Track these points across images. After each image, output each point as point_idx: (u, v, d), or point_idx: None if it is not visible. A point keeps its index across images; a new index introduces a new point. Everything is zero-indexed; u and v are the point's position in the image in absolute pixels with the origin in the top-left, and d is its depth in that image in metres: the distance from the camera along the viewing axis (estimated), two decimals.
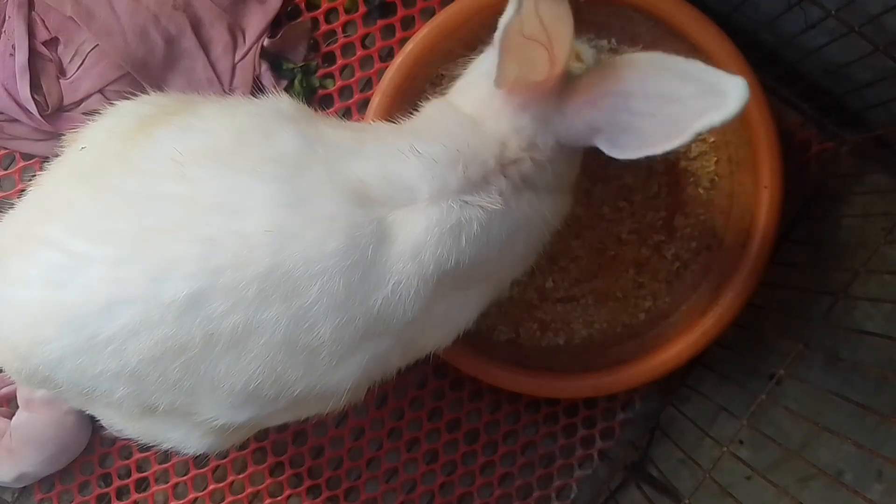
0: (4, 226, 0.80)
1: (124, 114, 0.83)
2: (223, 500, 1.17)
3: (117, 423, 0.83)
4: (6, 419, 1.13)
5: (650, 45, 1.07)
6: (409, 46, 1.04)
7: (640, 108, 0.75)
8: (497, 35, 0.70)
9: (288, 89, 1.16)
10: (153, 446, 1.12)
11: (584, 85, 0.79)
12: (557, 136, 0.81)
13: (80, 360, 0.72)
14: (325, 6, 1.17)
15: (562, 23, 0.74)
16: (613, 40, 1.09)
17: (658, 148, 0.73)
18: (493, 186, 0.78)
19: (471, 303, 0.84)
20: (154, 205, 0.71)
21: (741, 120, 1.04)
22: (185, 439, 0.81)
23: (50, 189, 0.80)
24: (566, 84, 0.80)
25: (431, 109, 0.86)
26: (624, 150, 0.77)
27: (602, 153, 0.78)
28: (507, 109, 0.80)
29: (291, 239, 0.70)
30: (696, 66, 0.73)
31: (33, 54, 1.11)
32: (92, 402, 0.80)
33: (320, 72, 1.17)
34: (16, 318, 0.73)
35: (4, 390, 1.14)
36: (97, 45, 1.11)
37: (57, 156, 0.84)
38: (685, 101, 0.72)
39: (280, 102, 0.82)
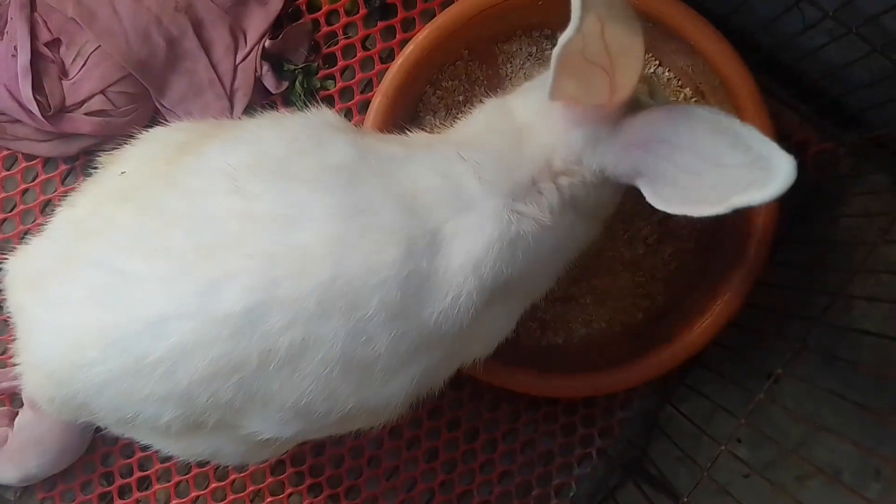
0: (41, 248, 0.78)
1: (159, 139, 0.82)
2: (224, 498, 1.17)
3: (157, 444, 0.80)
4: (8, 420, 1.14)
5: (648, 47, 1.08)
6: (410, 48, 1.05)
7: (686, 164, 0.73)
8: (555, 52, 0.67)
9: (289, 91, 1.17)
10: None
11: (640, 123, 0.77)
12: (603, 164, 0.79)
13: (126, 384, 0.69)
14: (326, 8, 1.17)
15: (630, 55, 0.71)
16: None
17: (695, 210, 0.72)
18: (545, 198, 0.77)
19: (511, 314, 0.84)
20: (207, 221, 0.70)
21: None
22: (220, 450, 0.79)
23: (88, 210, 0.77)
24: (626, 114, 0.78)
25: (481, 115, 0.85)
26: (665, 201, 0.75)
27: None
28: (560, 120, 0.79)
29: (351, 250, 0.69)
30: (751, 133, 0.70)
31: (35, 55, 1.11)
32: (131, 429, 0.77)
33: (321, 73, 1.18)
34: (55, 343, 0.71)
35: (4, 385, 1.14)
36: (99, 46, 1.11)
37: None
38: (731, 169, 0.69)
39: (326, 115, 0.81)
